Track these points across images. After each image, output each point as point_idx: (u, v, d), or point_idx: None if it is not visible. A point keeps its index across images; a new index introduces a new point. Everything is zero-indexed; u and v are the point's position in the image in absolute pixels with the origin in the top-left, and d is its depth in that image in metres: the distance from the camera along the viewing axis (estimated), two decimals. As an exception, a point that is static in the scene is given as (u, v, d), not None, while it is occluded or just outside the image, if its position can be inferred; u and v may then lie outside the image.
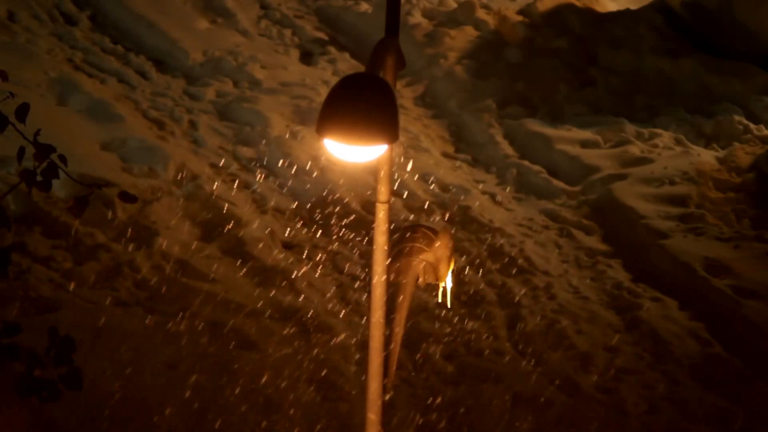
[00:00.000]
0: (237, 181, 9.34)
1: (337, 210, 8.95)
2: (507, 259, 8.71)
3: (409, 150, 10.09)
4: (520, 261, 8.70)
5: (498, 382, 7.27)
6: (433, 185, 9.66)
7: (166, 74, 11.15)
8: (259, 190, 9.22)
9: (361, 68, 7.19)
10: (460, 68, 11.66)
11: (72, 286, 7.70)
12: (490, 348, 7.63)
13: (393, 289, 5.39)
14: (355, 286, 8.16)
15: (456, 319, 7.87)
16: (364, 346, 6.76)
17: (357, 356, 7.27)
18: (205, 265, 8.11)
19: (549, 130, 10.70)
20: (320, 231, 8.77)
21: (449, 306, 7.36)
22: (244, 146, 9.92)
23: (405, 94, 11.32)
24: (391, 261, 5.00)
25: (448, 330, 7.75)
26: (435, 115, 11.16)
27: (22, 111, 4.27)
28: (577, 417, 7.05)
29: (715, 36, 12.19)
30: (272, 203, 9.08)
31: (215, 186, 9.07)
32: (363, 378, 6.65)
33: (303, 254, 8.50)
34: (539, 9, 12.67)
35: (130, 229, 8.36)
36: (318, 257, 8.49)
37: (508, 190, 9.93)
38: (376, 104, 4.17)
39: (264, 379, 6.96)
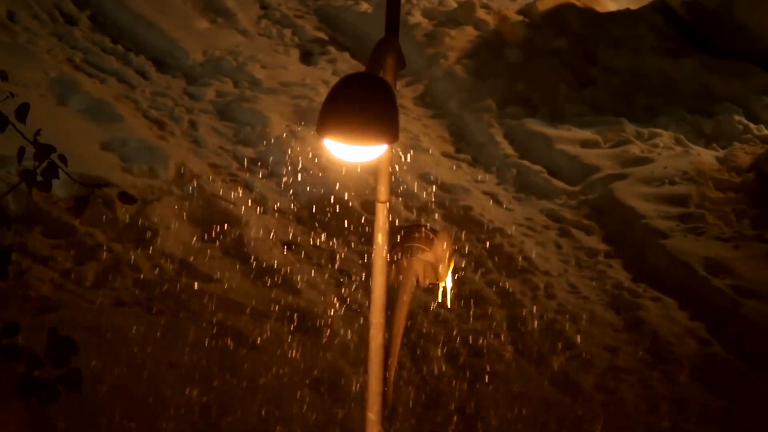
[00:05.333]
0: (237, 181, 9.34)
1: (337, 210, 8.95)
2: (507, 259, 8.70)
3: (409, 150, 10.09)
4: (520, 261, 8.70)
5: (498, 382, 7.27)
6: (433, 185, 9.65)
7: (166, 74, 11.14)
8: (259, 190, 9.22)
9: (361, 68, 7.17)
10: (460, 68, 11.66)
11: (72, 286, 7.70)
12: (490, 348, 7.63)
13: (393, 290, 5.39)
14: (355, 285, 8.16)
15: (456, 319, 7.87)
16: (364, 345, 6.76)
17: (357, 356, 7.27)
18: (205, 265, 8.11)
19: (549, 130, 10.70)
20: (320, 231, 8.77)
21: (449, 306, 7.35)
22: (244, 146, 9.92)
23: (405, 94, 11.32)
24: (391, 261, 5.00)
25: (448, 330, 7.75)
26: (435, 115, 11.15)
27: (22, 111, 4.27)
28: (577, 417, 7.05)
29: (715, 36, 12.19)
30: (272, 203, 9.08)
31: (215, 186, 9.07)
32: (363, 378, 6.65)
33: (303, 254, 8.50)
34: (539, 9, 12.67)
35: (130, 229, 8.36)
36: (318, 257, 8.49)
37: (508, 190, 9.93)
38: (376, 104, 4.17)
39: (264, 379, 6.96)
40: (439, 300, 7.26)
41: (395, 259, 5.53)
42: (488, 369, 7.39)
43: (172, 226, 8.50)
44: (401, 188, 9.40)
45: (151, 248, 8.19)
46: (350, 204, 9.04)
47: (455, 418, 6.95)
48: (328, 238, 8.72)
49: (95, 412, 6.45)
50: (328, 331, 7.56)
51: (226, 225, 8.60)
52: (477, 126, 10.88)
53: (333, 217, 8.88)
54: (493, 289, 8.31)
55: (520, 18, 12.61)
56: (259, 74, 11.23)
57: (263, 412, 6.71)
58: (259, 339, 7.38)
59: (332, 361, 7.27)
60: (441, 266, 5.69)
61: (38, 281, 7.63)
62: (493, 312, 8.02)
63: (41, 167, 4.25)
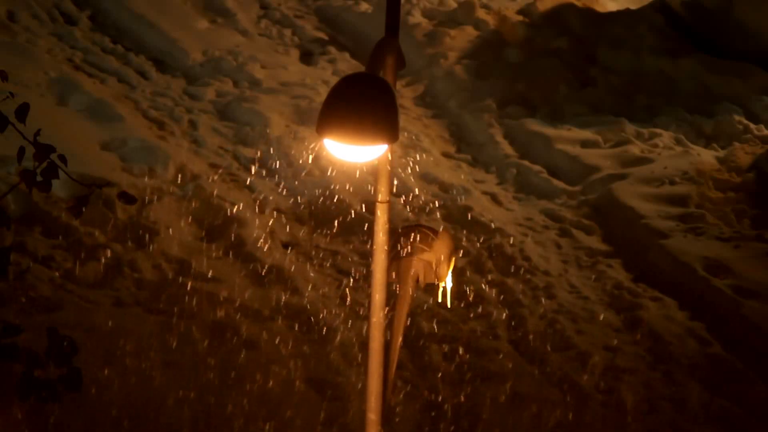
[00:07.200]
0: (237, 181, 9.34)
1: (337, 210, 8.95)
2: (507, 259, 8.70)
3: (409, 150, 10.09)
4: (520, 261, 8.69)
5: (498, 382, 7.27)
6: (433, 185, 9.65)
7: (166, 74, 11.15)
8: (259, 190, 9.22)
9: (361, 68, 7.18)
10: (460, 68, 11.66)
11: (72, 286, 7.70)
12: (490, 348, 7.63)
13: (393, 289, 5.39)
14: (355, 285, 8.16)
15: (456, 319, 7.87)
16: (364, 345, 6.76)
17: (357, 356, 7.27)
18: (205, 265, 8.11)
19: (549, 130, 10.70)
20: (320, 231, 8.77)
21: (449, 306, 7.35)
22: (244, 146, 9.92)
23: (405, 94, 11.32)
24: (391, 261, 5.00)
25: (448, 330, 7.75)
26: (435, 115, 11.15)
27: (22, 111, 4.27)
28: (577, 417, 7.05)
29: (715, 36, 12.19)
30: (272, 203, 9.08)
31: (215, 186, 9.07)
32: (363, 378, 6.65)
33: (303, 254, 8.50)
34: (539, 9, 12.67)
35: (130, 229, 8.36)
36: (318, 257, 8.49)
37: (508, 190, 9.93)
38: (376, 104, 4.17)
39: (264, 379, 6.96)
40: (439, 300, 7.26)
41: (395, 258, 5.53)
42: (488, 369, 7.39)
43: (172, 226, 8.50)
44: (401, 188, 9.40)
45: (151, 248, 8.19)
46: (350, 204, 9.04)
47: (455, 418, 6.94)
48: (328, 238, 8.72)
49: (95, 412, 6.45)
50: (328, 330, 7.56)
51: (226, 225, 8.60)
52: (477, 126, 10.88)
53: (333, 217, 8.88)
54: (493, 289, 8.31)
55: (520, 18, 12.62)
56: (259, 74, 11.23)
57: (263, 412, 6.71)
58: (259, 339, 7.38)
59: (332, 360, 7.27)
60: (441, 266, 5.69)
61: (38, 281, 7.63)
62: (493, 312, 8.02)
63: (41, 167, 4.25)
